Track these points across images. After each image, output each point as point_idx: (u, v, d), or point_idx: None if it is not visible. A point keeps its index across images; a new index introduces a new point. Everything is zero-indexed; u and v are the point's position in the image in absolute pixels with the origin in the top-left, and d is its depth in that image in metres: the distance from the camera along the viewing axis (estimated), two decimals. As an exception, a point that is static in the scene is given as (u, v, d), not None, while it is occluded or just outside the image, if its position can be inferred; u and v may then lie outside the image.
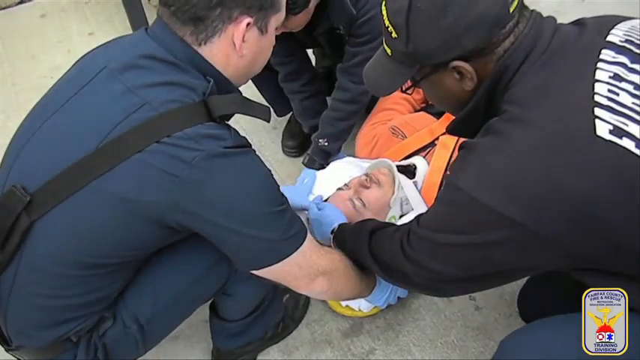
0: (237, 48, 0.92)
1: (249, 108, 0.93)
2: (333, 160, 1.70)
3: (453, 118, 0.99)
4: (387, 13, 0.87)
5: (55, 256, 0.88)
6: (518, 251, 0.79)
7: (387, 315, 1.42)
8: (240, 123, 1.62)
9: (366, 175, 1.44)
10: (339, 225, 1.27)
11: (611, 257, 0.76)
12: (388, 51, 0.91)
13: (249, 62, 0.96)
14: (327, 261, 1.02)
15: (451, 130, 1.00)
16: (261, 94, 1.85)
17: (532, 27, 0.84)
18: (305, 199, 1.49)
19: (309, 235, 0.98)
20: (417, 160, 1.53)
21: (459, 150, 0.89)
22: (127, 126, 0.83)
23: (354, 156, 1.71)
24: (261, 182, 0.90)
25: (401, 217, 1.44)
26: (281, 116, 1.94)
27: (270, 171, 0.93)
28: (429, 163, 1.51)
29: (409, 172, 1.52)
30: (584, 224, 0.73)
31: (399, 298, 1.36)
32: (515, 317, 1.36)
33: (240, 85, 1.00)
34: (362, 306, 1.38)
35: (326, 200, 1.48)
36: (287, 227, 0.92)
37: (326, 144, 1.68)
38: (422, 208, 1.43)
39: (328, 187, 1.52)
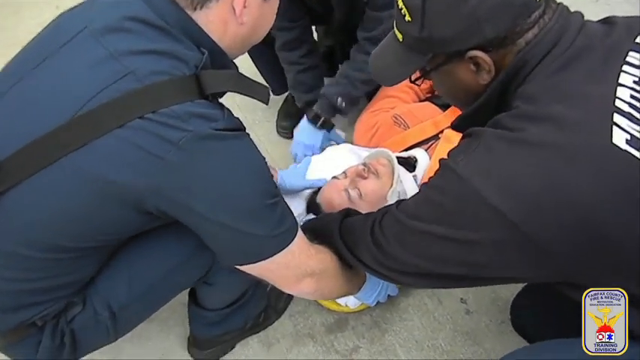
0: (236, 14, 0.83)
1: (246, 87, 0.84)
2: (329, 145, 1.62)
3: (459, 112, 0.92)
4: None
5: (19, 235, 0.79)
6: (502, 256, 0.73)
7: (373, 312, 1.37)
8: (234, 99, 1.53)
9: (364, 164, 1.37)
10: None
11: (608, 275, 0.71)
12: (399, 36, 0.83)
13: (249, 31, 0.87)
14: (316, 261, 0.95)
15: (456, 126, 0.92)
16: (258, 69, 1.75)
17: (557, 20, 0.77)
18: (301, 178, 1.41)
19: (299, 231, 0.90)
20: (419, 153, 1.45)
21: (462, 138, 0.82)
22: (107, 97, 0.74)
23: (352, 143, 1.62)
24: (253, 171, 0.82)
25: (397, 211, 1.37)
26: (278, 95, 1.85)
27: (264, 159, 0.85)
28: (430, 157, 1.43)
29: (409, 164, 1.44)
30: (586, 237, 0.68)
31: (389, 296, 1.31)
32: (507, 324, 1.31)
33: (235, 57, 0.91)
34: (349, 302, 1.32)
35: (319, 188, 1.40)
36: (277, 222, 0.84)
37: (342, 105, 1.56)
38: (420, 204, 1.36)
39: (323, 174, 1.44)
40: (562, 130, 0.69)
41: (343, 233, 0.99)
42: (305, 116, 1.61)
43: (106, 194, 0.77)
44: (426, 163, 1.43)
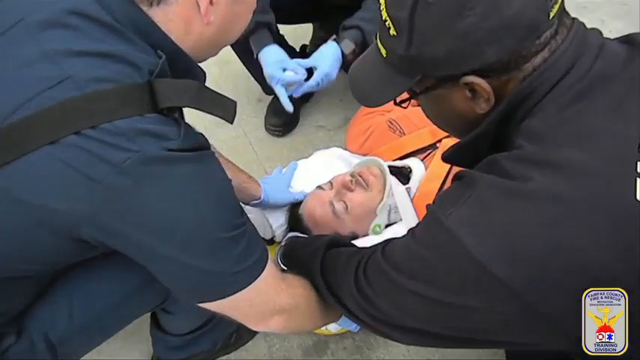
0: (201, 12, 0.70)
1: (207, 102, 0.71)
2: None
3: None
4: (385, 0, 0.67)
5: None
6: (504, 324, 0.62)
7: (356, 336, 1.26)
8: (221, 89, 1.38)
9: (352, 174, 1.25)
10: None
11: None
12: (382, 51, 0.71)
13: (217, 32, 0.74)
14: (287, 297, 0.83)
15: (447, 158, 0.80)
16: (247, 68, 1.62)
17: (572, 41, 0.64)
18: (285, 192, 1.30)
19: (269, 264, 0.78)
20: (414, 163, 1.33)
21: (453, 180, 0.71)
22: (39, 105, 0.63)
23: (343, 147, 1.50)
24: (213, 199, 0.70)
25: (387, 227, 1.26)
26: (270, 95, 1.73)
27: (229, 182, 0.73)
28: (426, 168, 1.31)
29: (403, 175, 1.32)
30: None
31: (372, 320, 1.20)
32: (500, 353, 1.20)
33: (203, 60, 0.79)
34: (330, 326, 1.21)
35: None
36: (240, 257, 0.73)
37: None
38: (412, 220, 1.24)
39: (308, 182, 1.32)
40: (575, 182, 0.57)
41: (325, 271, 0.88)
42: (336, 44, 1.40)
43: (34, 220, 0.65)
44: (421, 174, 1.31)
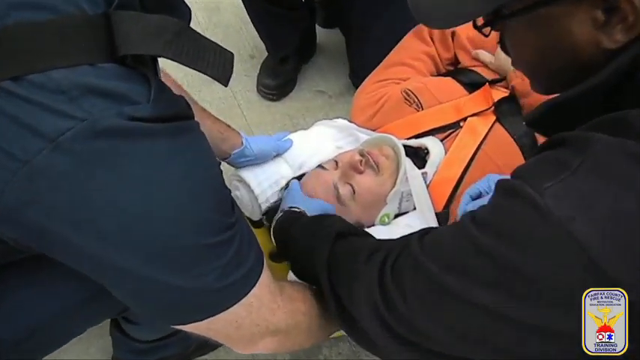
0: None
1: (192, 50, 0.49)
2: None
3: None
4: None
5: None
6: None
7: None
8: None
9: (361, 153, 1.05)
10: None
11: None
12: None
13: None
14: (284, 315, 0.64)
15: (534, 121, 0.58)
16: (252, 19, 1.45)
17: None
18: (269, 139, 1.11)
19: (264, 274, 0.59)
20: (432, 143, 1.14)
21: (542, 149, 0.52)
22: None
23: (345, 118, 1.29)
24: (194, 190, 0.50)
25: (396, 217, 1.08)
26: (276, 58, 1.53)
27: (217, 167, 0.53)
28: (447, 152, 1.12)
29: (419, 157, 1.13)
30: None
31: (374, 326, 1.03)
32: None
33: None
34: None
35: (300, 177, 1.09)
36: (228, 268, 0.53)
37: None
38: (427, 210, 1.07)
39: (308, 160, 1.12)
40: None
41: (333, 267, 0.68)
42: None
43: None
44: (439, 157, 1.13)
